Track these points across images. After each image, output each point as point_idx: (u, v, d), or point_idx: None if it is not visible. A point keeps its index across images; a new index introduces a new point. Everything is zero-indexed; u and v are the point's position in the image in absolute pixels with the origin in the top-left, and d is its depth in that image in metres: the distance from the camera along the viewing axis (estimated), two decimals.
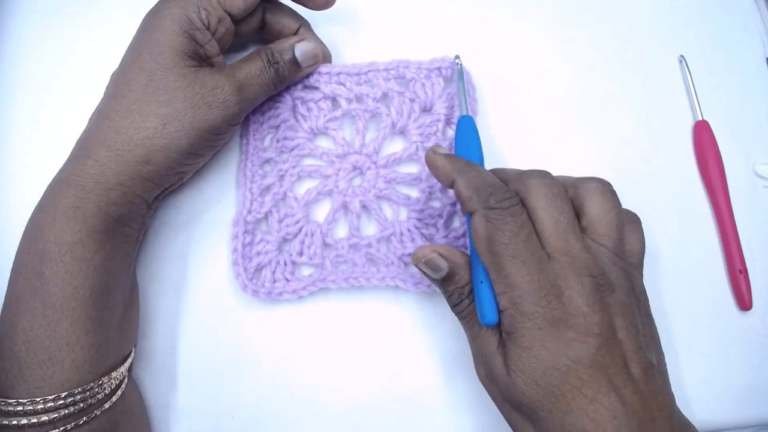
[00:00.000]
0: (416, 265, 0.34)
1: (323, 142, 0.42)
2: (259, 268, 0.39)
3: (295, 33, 0.40)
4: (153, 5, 0.36)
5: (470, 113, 0.39)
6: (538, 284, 0.29)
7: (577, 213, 0.32)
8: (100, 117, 0.34)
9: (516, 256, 0.29)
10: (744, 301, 0.41)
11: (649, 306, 0.32)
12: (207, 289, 0.39)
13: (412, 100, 0.41)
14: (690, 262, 0.42)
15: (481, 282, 0.31)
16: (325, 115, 0.40)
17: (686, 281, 0.41)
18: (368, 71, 0.41)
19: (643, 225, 0.34)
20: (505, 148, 0.43)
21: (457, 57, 0.41)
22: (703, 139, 0.43)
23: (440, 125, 0.40)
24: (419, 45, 0.43)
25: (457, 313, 0.34)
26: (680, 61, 0.45)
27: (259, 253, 0.39)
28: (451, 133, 0.41)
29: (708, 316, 0.41)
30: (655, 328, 0.32)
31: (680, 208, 0.43)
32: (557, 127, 0.43)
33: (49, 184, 0.34)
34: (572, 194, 0.33)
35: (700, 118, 0.44)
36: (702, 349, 0.40)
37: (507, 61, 0.45)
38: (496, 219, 0.30)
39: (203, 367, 0.38)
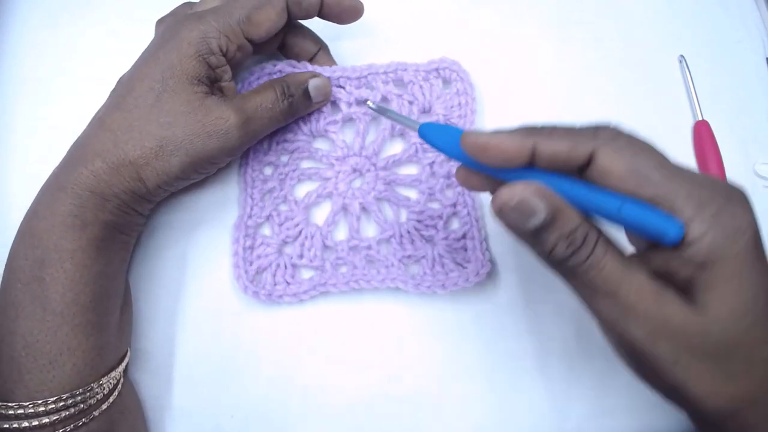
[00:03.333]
0: (498, 214, 0.26)
1: (323, 145, 0.42)
2: (259, 271, 0.39)
3: (314, 56, 0.40)
4: (171, 19, 0.36)
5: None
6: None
7: None
8: (102, 127, 0.34)
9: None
10: None
11: None
12: (208, 291, 0.39)
13: (410, 103, 0.41)
14: None
15: (622, 205, 0.25)
16: (324, 118, 0.40)
17: None
18: (368, 74, 0.40)
19: None
20: None
21: (367, 100, 0.39)
22: (703, 139, 0.43)
23: None
24: (418, 45, 0.43)
25: (569, 268, 0.26)
26: (680, 61, 0.45)
27: (259, 257, 0.39)
28: None
29: None
30: None
31: None
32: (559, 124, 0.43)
33: (43, 188, 0.34)
34: None
35: (700, 118, 0.44)
36: None
37: (506, 60, 0.44)
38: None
39: (204, 368, 0.38)
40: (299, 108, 0.38)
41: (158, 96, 0.33)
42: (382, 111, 0.37)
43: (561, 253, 0.26)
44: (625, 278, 0.25)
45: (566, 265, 0.26)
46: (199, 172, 0.36)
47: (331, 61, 0.41)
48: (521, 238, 0.27)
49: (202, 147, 0.34)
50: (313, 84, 0.38)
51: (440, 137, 0.31)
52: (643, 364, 0.27)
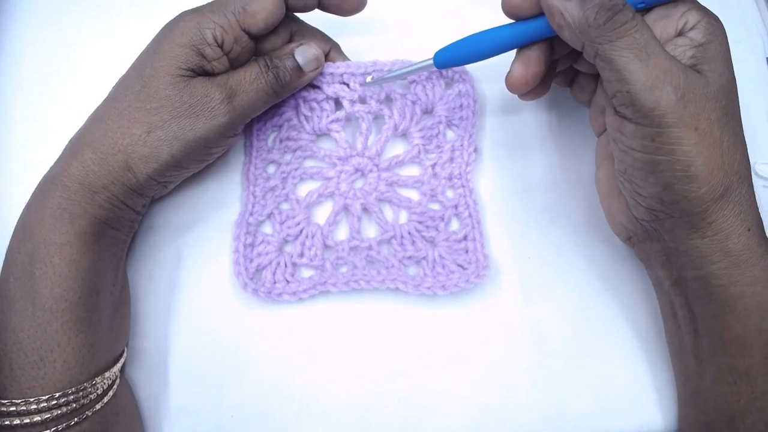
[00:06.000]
0: None
1: (326, 144, 0.42)
2: (259, 269, 0.39)
3: (326, 56, 0.39)
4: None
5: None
6: None
7: None
8: (95, 118, 0.34)
9: None
10: None
11: None
12: (207, 289, 0.39)
13: (413, 102, 0.41)
14: None
15: None
16: (327, 116, 0.40)
17: None
18: (372, 71, 0.40)
19: None
20: (507, 145, 0.43)
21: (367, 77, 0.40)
22: None
23: (441, 127, 0.41)
24: (422, 45, 0.43)
25: (616, 27, 0.30)
26: None
27: (259, 254, 0.39)
28: (451, 135, 0.41)
29: None
30: None
31: None
32: (559, 124, 0.43)
33: (39, 183, 0.34)
34: None
35: None
36: None
37: (508, 59, 0.44)
38: None
39: (204, 367, 0.38)
40: (289, 79, 0.37)
41: (145, 82, 0.34)
42: (384, 78, 0.38)
43: (604, 13, 0.30)
44: (660, 47, 0.30)
45: (614, 20, 0.29)
46: (192, 159, 0.35)
47: (344, 59, 0.40)
48: (567, 12, 0.31)
49: (190, 128, 0.34)
50: (299, 52, 0.37)
51: (458, 55, 0.35)
52: (660, 146, 0.30)
